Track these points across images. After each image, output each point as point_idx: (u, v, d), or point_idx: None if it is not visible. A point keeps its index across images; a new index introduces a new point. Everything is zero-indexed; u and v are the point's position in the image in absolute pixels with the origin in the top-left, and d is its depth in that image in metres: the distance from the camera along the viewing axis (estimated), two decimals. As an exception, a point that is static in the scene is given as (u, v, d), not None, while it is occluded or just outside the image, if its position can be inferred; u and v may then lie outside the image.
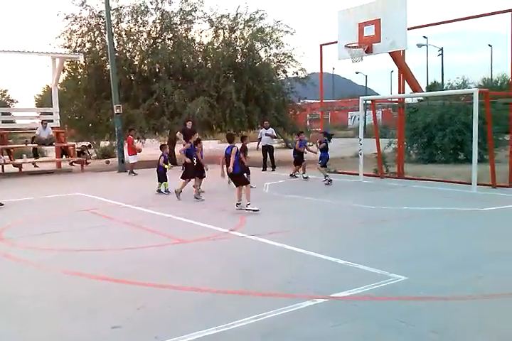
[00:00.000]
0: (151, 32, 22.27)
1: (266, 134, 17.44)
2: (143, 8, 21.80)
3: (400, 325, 4.00)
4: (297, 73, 23.27)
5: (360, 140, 14.31)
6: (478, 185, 11.31)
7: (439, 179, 13.31)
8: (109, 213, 9.50)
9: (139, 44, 22.24)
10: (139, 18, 22.00)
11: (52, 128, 19.21)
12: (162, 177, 12.07)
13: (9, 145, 20.05)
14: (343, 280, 5.13)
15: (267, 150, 17.49)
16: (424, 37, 44.71)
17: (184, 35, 22.39)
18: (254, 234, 7.31)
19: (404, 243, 6.86)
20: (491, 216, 8.75)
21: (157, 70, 21.65)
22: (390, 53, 13.17)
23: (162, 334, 3.94)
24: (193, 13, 22.28)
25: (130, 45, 22.25)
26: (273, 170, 17.20)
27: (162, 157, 12.32)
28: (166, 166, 12.06)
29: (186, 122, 18.20)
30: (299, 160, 14.72)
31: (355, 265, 5.65)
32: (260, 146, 17.41)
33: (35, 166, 20.15)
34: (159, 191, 11.99)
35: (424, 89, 24.55)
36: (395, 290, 4.85)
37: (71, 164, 20.22)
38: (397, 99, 15.82)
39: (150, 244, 7.03)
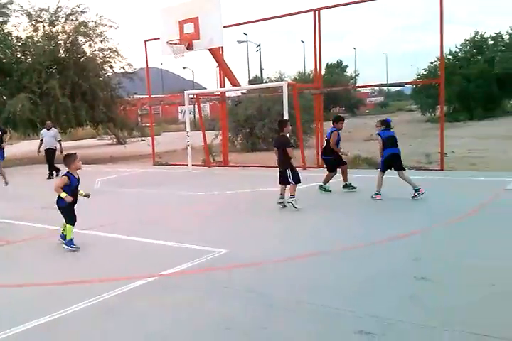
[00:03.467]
0: (-39, 25, 20.54)
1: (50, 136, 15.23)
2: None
3: (223, 290, 4.68)
4: (124, 68, 23.33)
5: (188, 132, 15.01)
6: (292, 167, 12.72)
7: (260, 165, 14.64)
8: None
9: None
10: None
11: None
12: (68, 216, 6.54)
13: None
14: (172, 259, 5.67)
15: (50, 153, 15.13)
16: (244, 33, 46.86)
17: (-1, 28, 21.05)
18: (86, 228, 7.53)
19: (226, 222, 7.69)
20: (302, 192, 10.03)
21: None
22: (209, 50, 13.99)
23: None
24: (8, 5, 21.07)
25: None
26: (50, 177, 14.62)
27: (64, 178, 6.48)
28: (81, 193, 6.71)
29: None
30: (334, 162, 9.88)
31: (183, 245, 6.26)
32: (42, 150, 15.25)
33: None
34: (65, 239, 6.54)
35: (247, 83, 26.20)
36: (218, 262, 5.55)
37: None
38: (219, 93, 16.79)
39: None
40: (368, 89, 67.27)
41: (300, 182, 8.45)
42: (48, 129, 15.43)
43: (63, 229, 6.58)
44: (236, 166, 14.96)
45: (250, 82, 32.04)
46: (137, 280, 5.06)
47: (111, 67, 23.38)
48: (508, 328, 3.58)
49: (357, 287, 4.61)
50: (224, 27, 13.86)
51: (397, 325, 3.74)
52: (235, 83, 14.74)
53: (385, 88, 61.97)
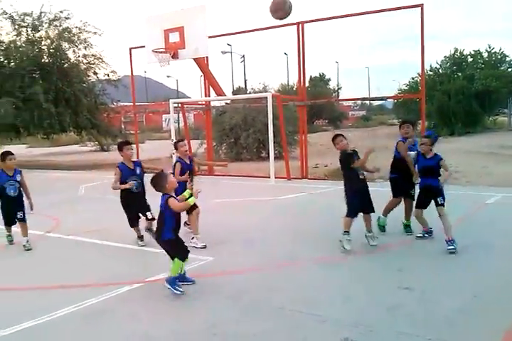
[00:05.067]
0: None
1: None
2: None
3: (209, 297, 4.74)
4: (108, 75, 23.30)
5: (173, 141, 15.02)
6: (275, 178, 12.85)
7: (244, 174, 14.72)
8: None
9: None
10: None
11: None
12: (182, 248, 5.08)
13: None
14: (156, 266, 5.68)
15: None
16: (229, 44, 47.17)
17: (-18, 32, 20.88)
18: (71, 234, 7.53)
19: (212, 230, 7.72)
20: (286, 202, 10.16)
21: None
22: (194, 59, 14.10)
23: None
24: (-10, 9, 20.93)
25: None
26: None
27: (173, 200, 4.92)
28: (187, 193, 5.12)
29: None
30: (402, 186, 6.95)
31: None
32: None
33: None
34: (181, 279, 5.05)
35: (231, 93, 26.37)
36: (203, 269, 5.62)
37: None
38: (203, 103, 16.87)
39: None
40: (350, 103, 68.05)
41: (354, 216, 6.27)
42: None
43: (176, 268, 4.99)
44: (221, 175, 15.00)
45: (234, 93, 32.20)
46: (124, 285, 5.09)
47: (95, 73, 23.33)
48: (489, 338, 3.69)
49: (342, 296, 4.70)
50: (209, 37, 13.99)
51: (381, 333, 3.83)
52: (220, 93, 14.86)
53: (367, 102, 62.79)
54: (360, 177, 6.29)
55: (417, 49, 12.08)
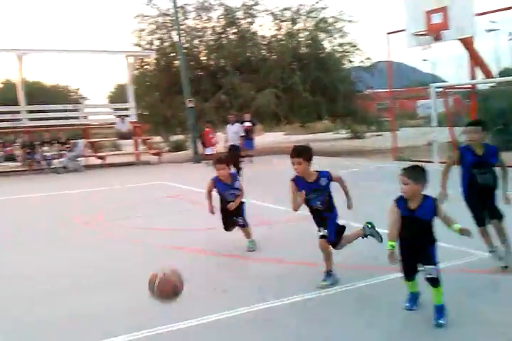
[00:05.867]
0: (215, 28, 22.88)
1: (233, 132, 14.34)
2: (207, 4, 22.48)
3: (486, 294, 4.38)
4: (363, 62, 23.36)
5: (434, 128, 14.28)
6: None
7: (515, 165, 13.10)
8: (193, 198, 10.05)
9: (204, 40, 22.91)
10: (203, 15, 22.70)
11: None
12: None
13: (93, 139, 21.32)
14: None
15: (233, 150, 13.90)
16: (493, 22, 42.66)
17: (247, 29, 22.86)
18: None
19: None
20: None
21: (223, 64, 22.28)
22: (459, 40, 13.11)
23: (264, 296, 4.44)
24: (255, 7, 22.77)
25: (196, 41, 22.95)
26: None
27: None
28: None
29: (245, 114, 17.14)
30: None
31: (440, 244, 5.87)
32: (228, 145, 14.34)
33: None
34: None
35: (496, 75, 23.82)
36: (481, 265, 5.14)
37: (155, 154, 20.72)
38: (467, 86, 15.59)
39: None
40: None
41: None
42: (232, 124, 14.69)
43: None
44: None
45: (500, 74, 29.13)
46: (394, 272, 4.89)
47: (350, 61, 23.64)
48: None
49: None
50: (476, 15, 12.81)
51: None
52: (489, 75, 13.57)
53: None
54: None
55: None
